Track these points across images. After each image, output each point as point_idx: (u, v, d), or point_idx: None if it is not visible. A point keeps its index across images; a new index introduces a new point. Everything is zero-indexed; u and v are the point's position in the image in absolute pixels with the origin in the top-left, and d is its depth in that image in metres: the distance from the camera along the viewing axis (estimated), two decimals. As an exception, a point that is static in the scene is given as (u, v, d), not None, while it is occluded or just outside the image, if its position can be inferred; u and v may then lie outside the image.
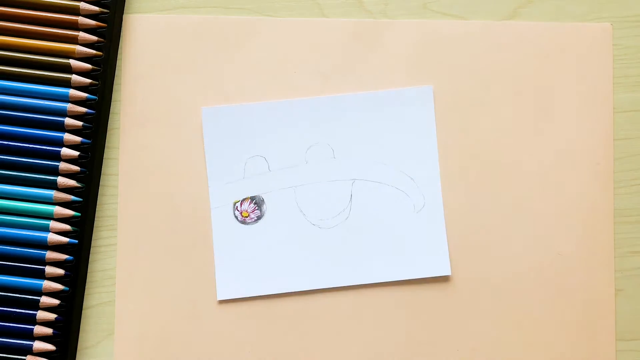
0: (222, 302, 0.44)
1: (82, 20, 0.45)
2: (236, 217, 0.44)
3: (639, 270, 0.45)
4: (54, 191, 0.44)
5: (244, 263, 0.44)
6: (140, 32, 0.45)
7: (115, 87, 0.45)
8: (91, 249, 0.44)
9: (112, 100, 0.45)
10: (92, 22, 0.45)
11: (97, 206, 0.44)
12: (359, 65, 0.45)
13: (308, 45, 0.45)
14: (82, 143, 0.44)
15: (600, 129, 0.45)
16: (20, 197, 0.44)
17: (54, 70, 0.44)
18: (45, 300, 0.43)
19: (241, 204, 0.44)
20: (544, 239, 0.45)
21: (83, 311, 0.44)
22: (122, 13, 0.45)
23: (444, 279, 0.44)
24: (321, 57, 0.45)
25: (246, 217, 0.44)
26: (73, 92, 0.44)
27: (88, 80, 0.44)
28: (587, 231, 0.45)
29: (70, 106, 0.44)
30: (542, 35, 0.45)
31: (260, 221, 0.44)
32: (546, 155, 0.45)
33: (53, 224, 0.43)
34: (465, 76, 0.45)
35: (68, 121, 0.44)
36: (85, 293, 0.44)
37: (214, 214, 0.44)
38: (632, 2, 0.46)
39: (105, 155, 0.45)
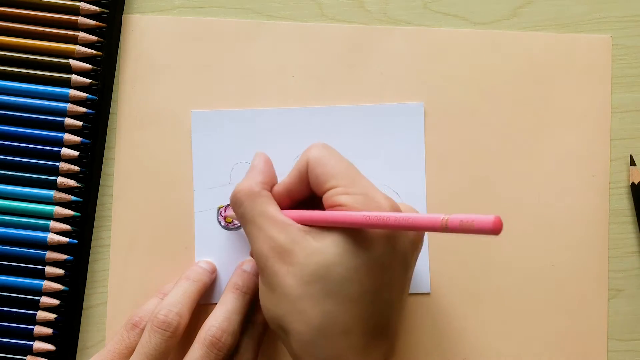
0: (204, 305, 0.43)
1: (82, 20, 0.45)
2: (219, 222, 0.44)
3: (638, 271, 0.45)
4: (54, 191, 0.44)
5: (226, 268, 0.44)
6: (139, 32, 0.45)
7: (115, 87, 0.45)
8: (91, 249, 0.44)
9: (112, 100, 0.45)
10: (92, 22, 0.45)
11: (96, 206, 0.44)
12: (356, 71, 0.45)
13: (306, 50, 0.45)
14: (82, 143, 0.44)
15: (597, 141, 0.45)
16: (20, 197, 0.44)
17: (54, 70, 0.44)
18: (45, 300, 0.43)
19: (225, 210, 0.44)
20: (537, 251, 0.44)
21: (83, 311, 0.44)
22: (122, 13, 0.45)
23: (433, 291, 0.44)
24: (318, 63, 0.45)
25: (229, 222, 0.44)
26: (73, 92, 0.44)
27: (88, 80, 0.44)
28: (581, 243, 0.45)
29: (70, 106, 0.44)
30: (540, 46, 0.45)
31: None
32: (538, 171, 0.45)
33: (53, 224, 0.44)
34: (461, 87, 0.45)
35: (68, 121, 0.44)
36: (85, 293, 0.44)
37: (197, 217, 0.44)
38: (632, 2, 0.46)
39: (105, 155, 0.45)
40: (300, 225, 0.36)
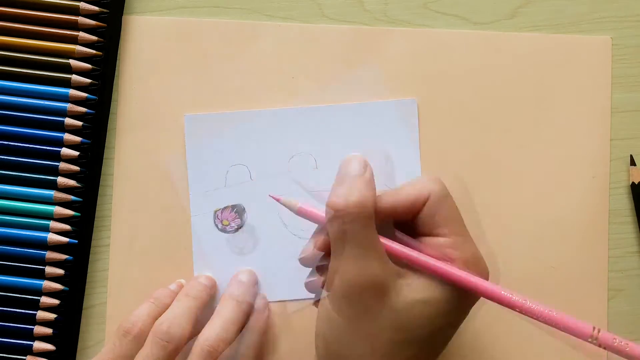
0: None
1: (82, 20, 0.45)
2: (216, 226, 0.44)
3: (638, 271, 0.45)
4: (54, 191, 0.44)
5: (223, 270, 0.44)
6: (139, 32, 0.45)
7: (115, 87, 0.45)
8: (91, 249, 0.44)
9: (112, 100, 0.45)
10: (92, 22, 0.45)
11: (97, 206, 0.44)
12: (356, 72, 0.45)
13: (306, 50, 0.45)
14: (82, 143, 0.44)
15: (597, 141, 0.45)
16: (20, 197, 0.44)
17: (54, 70, 0.44)
18: (45, 300, 0.43)
19: (222, 213, 0.44)
20: (537, 251, 0.44)
21: (83, 311, 0.44)
22: (122, 13, 0.45)
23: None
24: (318, 64, 0.45)
25: (226, 225, 0.44)
26: (73, 92, 0.44)
27: (88, 80, 0.44)
28: (581, 243, 0.45)
29: (70, 106, 0.44)
30: (540, 46, 0.45)
31: (240, 230, 0.44)
32: (538, 171, 0.45)
33: (53, 224, 0.44)
34: (461, 87, 0.45)
35: (68, 121, 0.44)
36: (85, 293, 0.44)
37: (194, 221, 0.44)
38: (632, 2, 0.46)
39: (105, 155, 0.45)
40: (391, 262, 0.35)
